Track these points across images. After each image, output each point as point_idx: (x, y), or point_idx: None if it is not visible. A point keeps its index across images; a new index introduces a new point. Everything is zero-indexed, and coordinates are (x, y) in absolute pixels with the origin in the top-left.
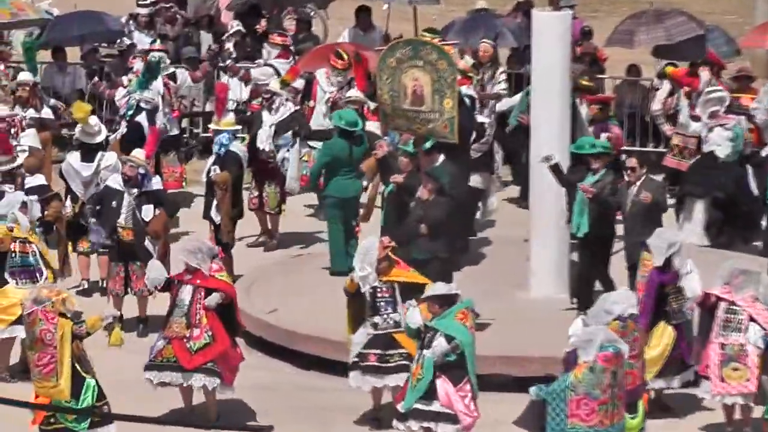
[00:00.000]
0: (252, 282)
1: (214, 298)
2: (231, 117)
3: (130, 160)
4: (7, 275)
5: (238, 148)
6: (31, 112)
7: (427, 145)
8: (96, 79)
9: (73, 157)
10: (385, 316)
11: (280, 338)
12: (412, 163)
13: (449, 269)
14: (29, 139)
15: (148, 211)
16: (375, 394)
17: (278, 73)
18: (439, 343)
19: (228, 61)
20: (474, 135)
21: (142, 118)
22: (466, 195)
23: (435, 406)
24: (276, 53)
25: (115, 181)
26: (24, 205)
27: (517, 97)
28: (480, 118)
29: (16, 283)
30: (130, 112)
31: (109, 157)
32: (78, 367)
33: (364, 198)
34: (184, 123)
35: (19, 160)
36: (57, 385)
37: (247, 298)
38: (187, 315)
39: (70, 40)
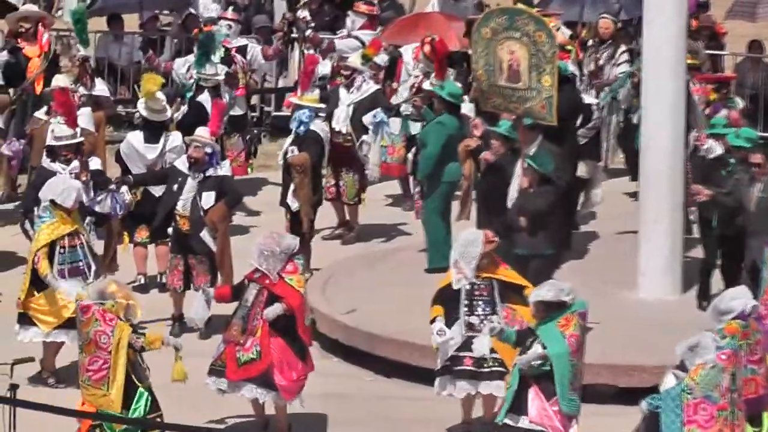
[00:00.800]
0: (328, 278)
1: (274, 310)
2: (315, 93)
3: (194, 140)
4: (55, 273)
5: (320, 127)
6: (81, 90)
7: (528, 121)
8: (150, 52)
9: (135, 138)
10: (482, 316)
11: (359, 342)
12: (505, 147)
13: (552, 268)
14: (83, 119)
15: (208, 198)
16: (466, 404)
17: (363, 45)
18: (534, 351)
19: (308, 32)
20: (580, 118)
21: (203, 98)
22: (570, 184)
23: (524, 423)
24: (360, 23)
25: (182, 162)
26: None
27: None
28: (587, 99)
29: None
30: (190, 93)
31: (176, 138)
32: (131, 375)
33: None
34: (254, 100)
35: (74, 140)
36: (107, 394)
37: (322, 297)
38: (245, 318)
39: (127, 7)
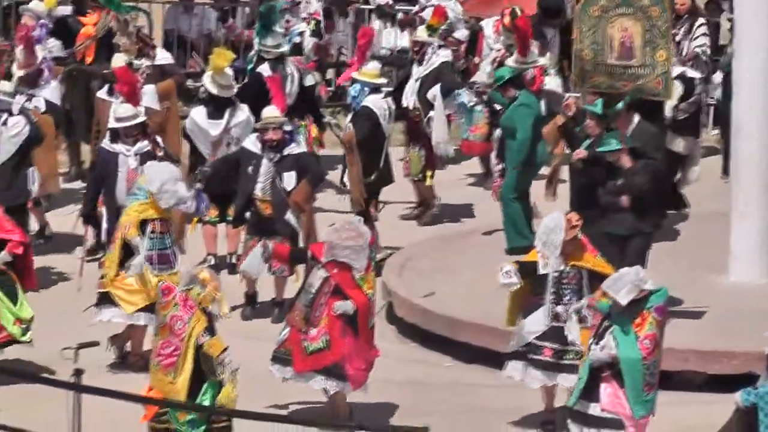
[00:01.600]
0: (405, 261)
1: (344, 307)
2: (373, 66)
3: (269, 123)
4: (143, 258)
5: (375, 102)
6: (145, 62)
7: (621, 104)
8: (231, 20)
9: (199, 114)
10: (569, 306)
11: (438, 326)
12: (600, 126)
13: (649, 247)
14: (147, 97)
15: (290, 179)
16: (548, 393)
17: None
18: (607, 344)
19: (386, 1)
20: (681, 92)
21: (263, 69)
22: (665, 161)
23: (595, 410)
24: None
25: (252, 143)
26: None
27: None
28: (690, 73)
29: (152, 268)
30: (251, 65)
31: (241, 113)
32: (201, 368)
33: None
34: (330, 75)
35: (141, 117)
36: (174, 382)
37: (400, 280)
38: (309, 306)
39: None
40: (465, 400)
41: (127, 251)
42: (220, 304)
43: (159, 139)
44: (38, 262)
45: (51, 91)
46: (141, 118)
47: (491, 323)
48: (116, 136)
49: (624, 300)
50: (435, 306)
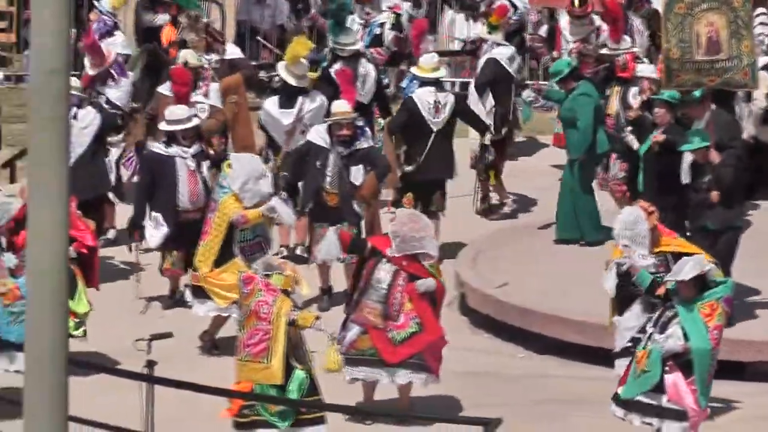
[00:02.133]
0: (478, 252)
1: (427, 284)
2: (425, 60)
3: (341, 120)
4: (236, 250)
5: (420, 94)
6: (214, 57)
7: (698, 93)
8: (313, 11)
9: (271, 104)
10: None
11: (511, 317)
12: (669, 114)
13: (738, 241)
14: (212, 95)
15: (357, 173)
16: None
17: (515, 7)
18: (674, 333)
19: None
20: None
21: (338, 66)
22: (743, 149)
23: (661, 401)
24: None
25: (318, 136)
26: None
27: None
28: None
29: (246, 259)
30: (324, 63)
31: (311, 99)
32: (289, 356)
33: None
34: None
35: (195, 121)
36: (268, 366)
37: (472, 271)
38: (384, 303)
39: None
40: (538, 391)
41: (223, 249)
42: (301, 286)
43: (213, 139)
44: (111, 252)
45: (117, 92)
46: (196, 120)
47: (564, 314)
48: (171, 138)
49: (688, 275)
50: (508, 297)
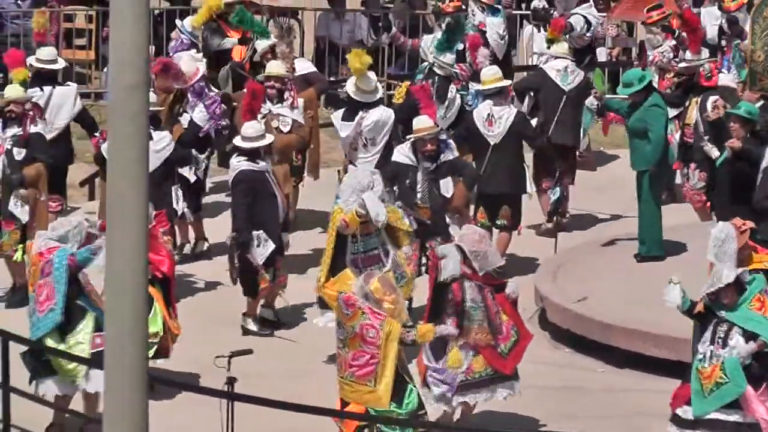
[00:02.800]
0: (558, 266)
1: (514, 286)
2: (486, 73)
3: (423, 136)
4: (347, 260)
5: (480, 108)
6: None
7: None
8: (394, 30)
9: (336, 116)
10: None
11: (592, 331)
12: (744, 129)
13: None
14: (296, 112)
15: (447, 185)
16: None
17: (588, 24)
18: (738, 343)
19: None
20: None
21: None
22: None
23: (737, 416)
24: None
25: (402, 155)
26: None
27: None
28: None
29: (358, 271)
30: (420, 76)
31: (371, 114)
32: (401, 371)
33: None
34: None
35: (268, 139)
36: (374, 390)
37: (553, 286)
38: (489, 320)
39: None
40: (618, 405)
41: (337, 259)
42: (401, 316)
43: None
44: (190, 269)
45: (201, 113)
46: (265, 141)
47: (644, 328)
48: (255, 154)
49: (729, 279)
50: (588, 311)
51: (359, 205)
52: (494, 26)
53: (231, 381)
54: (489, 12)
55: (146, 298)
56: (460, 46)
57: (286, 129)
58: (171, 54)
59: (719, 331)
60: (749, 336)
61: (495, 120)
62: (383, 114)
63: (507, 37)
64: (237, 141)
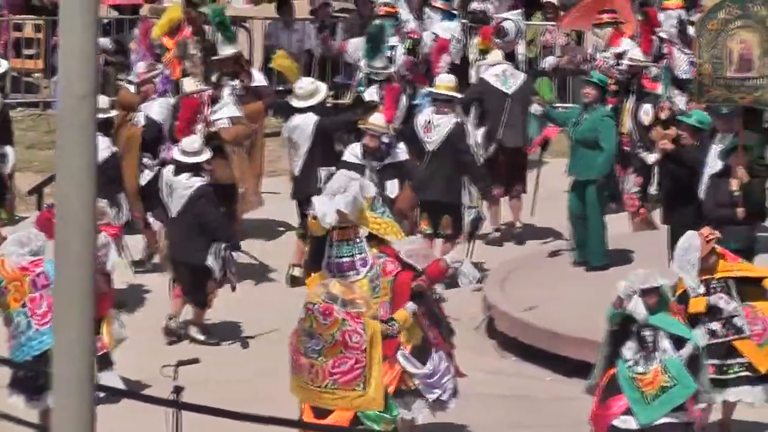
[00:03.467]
0: (506, 275)
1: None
2: (447, 79)
3: (369, 129)
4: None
5: (423, 113)
6: (239, 84)
7: (725, 109)
8: (326, 31)
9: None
10: (724, 320)
11: (539, 340)
12: (694, 138)
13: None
14: (227, 110)
15: (393, 187)
16: (707, 413)
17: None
18: (667, 346)
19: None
20: None
21: (371, 92)
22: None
23: (684, 417)
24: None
25: (351, 154)
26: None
27: None
28: None
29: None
30: (362, 88)
31: (294, 119)
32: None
33: None
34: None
35: (206, 155)
36: (364, 393)
37: (501, 294)
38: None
39: None
40: (566, 414)
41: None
42: (371, 304)
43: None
44: (140, 279)
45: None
46: (202, 157)
47: (592, 336)
48: (198, 168)
49: (656, 282)
50: (535, 320)
51: (311, 208)
52: (450, 31)
53: (178, 390)
54: (445, 17)
55: (93, 307)
56: (389, 52)
57: (224, 128)
58: (132, 66)
59: (646, 336)
60: (675, 340)
61: (433, 127)
62: (305, 120)
63: (464, 41)
64: (177, 155)
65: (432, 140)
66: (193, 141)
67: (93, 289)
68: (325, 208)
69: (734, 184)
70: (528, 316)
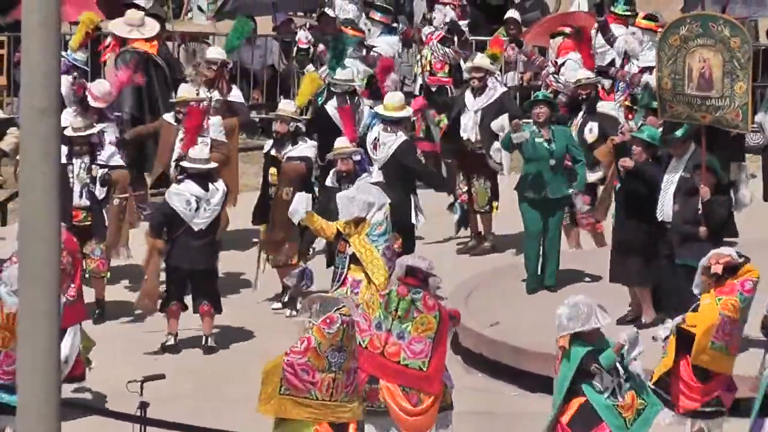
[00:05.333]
0: (471, 290)
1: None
2: (396, 99)
3: (338, 154)
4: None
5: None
6: (215, 95)
7: (679, 133)
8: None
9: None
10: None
11: (504, 356)
12: (647, 153)
13: None
14: (213, 129)
15: None
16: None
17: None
18: (637, 368)
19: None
20: None
21: (331, 105)
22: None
23: None
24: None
25: (330, 178)
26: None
27: None
28: None
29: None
30: (321, 98)
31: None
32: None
33: None
34: None
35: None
36: (362, 404)
37: (465, 310)
38: None
39: (259, 9)
40: (531, 429)
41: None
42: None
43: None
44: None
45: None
46: (210, 165)
47: (556, 352)
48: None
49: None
50: (500, 336)
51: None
52: (390, 45)
53: (143, 405)
54: (385, 31)
55: (58, 321)
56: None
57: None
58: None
59: (619, 369)
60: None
61: (380, 145)
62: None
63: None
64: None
65: (379, 158)
66: (201, 150)
67: (58, 305)
68: (296, 205)
69: (698, 203)
70: (492, 331)
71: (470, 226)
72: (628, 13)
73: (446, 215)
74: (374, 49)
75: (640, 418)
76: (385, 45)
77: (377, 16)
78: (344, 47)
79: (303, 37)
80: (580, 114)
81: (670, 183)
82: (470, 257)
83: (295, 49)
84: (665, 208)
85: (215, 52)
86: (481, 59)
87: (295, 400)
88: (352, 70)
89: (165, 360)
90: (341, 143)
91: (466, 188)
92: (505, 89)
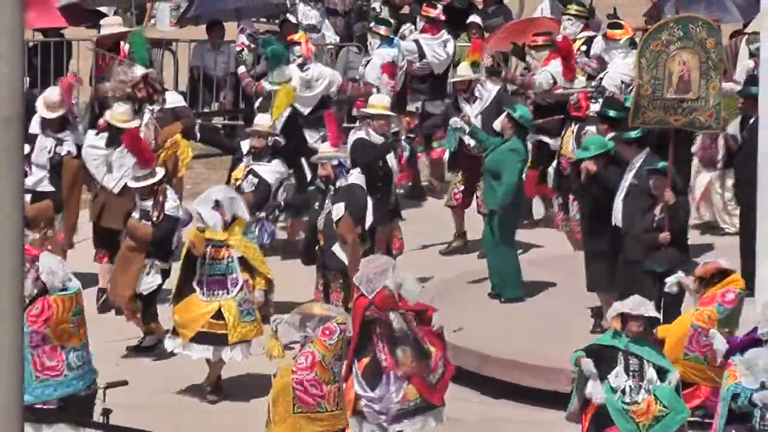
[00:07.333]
0: (434, 296)
1: (438, 319)
2: (381, 101)
3: (320, 159)
4: (195, 284)
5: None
6: (156, 107)
7: (634, 133)
8: (242, 69)
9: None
10: None
11: (467, 362)
12: (599, 163)
13: None
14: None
15: (338, 210)
16: None
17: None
18: (653, 376)
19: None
20: None
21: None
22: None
23: None
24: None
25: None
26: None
27: None
28: None
29: (203, 294)
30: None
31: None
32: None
33: None
34: None
35: (160, 175)
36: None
37: None
38: (418, 347)
39: (223, 15)
40: None
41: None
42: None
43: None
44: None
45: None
46: (158, 178)
47: (520, 358)
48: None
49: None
50: (463, 341)
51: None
52: (389, 57)
53: (106, 412)
54: (384, 43)
55: (22, 330)
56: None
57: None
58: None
59: (631, 364)
60: (657, 369)
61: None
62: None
63: (405, 68)
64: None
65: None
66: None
67: (21, 314)
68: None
69: (660, 208)
70: (456, 337)
71: (456, 226)
72: (582, 14)
73: (430, 220)
74: (366, 59)
75: (658, 424)
76: (377, 57)
77: (381, 29)
78: (279, 52)
79: (243, 40)
80: (567, 125)
81: (621, 189)
82: (456, 257)
83: (236, 51)
84: (616, 213)
85: (134, 70)
86: (462, 70)
87: (309, 417)
88: (290, 73)
89: (126, 368)
90: (324, 149)
91: (462, 188)
92: (499, 86)
